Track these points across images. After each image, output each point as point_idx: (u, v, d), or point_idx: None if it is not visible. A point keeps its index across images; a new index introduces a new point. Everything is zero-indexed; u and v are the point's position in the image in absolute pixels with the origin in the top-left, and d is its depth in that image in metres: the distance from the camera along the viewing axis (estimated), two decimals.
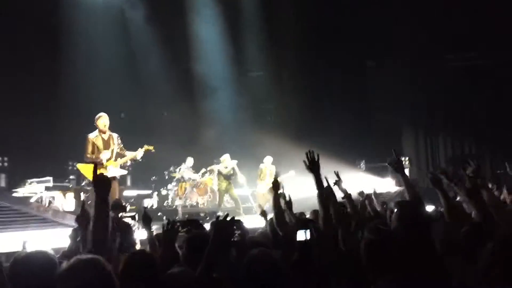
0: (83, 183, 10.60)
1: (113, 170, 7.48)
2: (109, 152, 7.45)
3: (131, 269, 2.40)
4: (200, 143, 13.70)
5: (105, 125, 7.44)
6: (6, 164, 11.22)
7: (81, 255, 2.02)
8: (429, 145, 16.24)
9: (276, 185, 3.99)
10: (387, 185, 13.58)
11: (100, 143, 7.43)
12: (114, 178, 7.41)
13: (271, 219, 4.31)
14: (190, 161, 12.16)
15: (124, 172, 7.85)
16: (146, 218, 3.82)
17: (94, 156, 7.35)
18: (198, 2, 13.86)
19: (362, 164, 14.34)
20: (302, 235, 2.67)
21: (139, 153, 7.66)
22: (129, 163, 8.10)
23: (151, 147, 7.88)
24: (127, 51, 13.51)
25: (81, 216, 3.30)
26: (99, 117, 7.47)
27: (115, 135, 7.61)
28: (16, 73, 11.31)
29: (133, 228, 4.44)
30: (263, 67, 14.87)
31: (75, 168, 12.17)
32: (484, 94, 14.58)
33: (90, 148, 7.39)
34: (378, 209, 5.33)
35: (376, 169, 14.09)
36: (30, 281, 2.14)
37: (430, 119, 15.91)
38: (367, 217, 4.74)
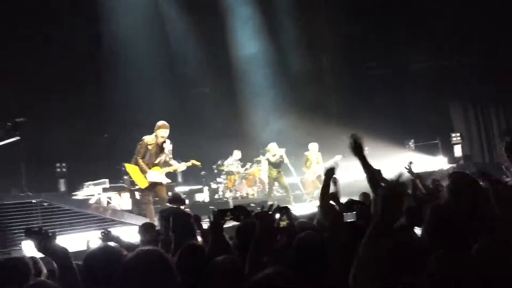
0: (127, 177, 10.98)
1: (157, 176, 7.69)
2: (156, 173, 7.64)
3: (183, 261, 2.55)
4: (245, 135, 13.87)
5: (162, 137, 7.65)
6: (64, 169, 11.77)
7: (143, 247, 2.18)
8: (480, 118, 15.64)
9: (330, 173, 3.89)
10: (438, 163, 13.27)
11: (153, 149, 7.65)
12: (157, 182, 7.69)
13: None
14: (237, 154, 12.35)
15: (168, 180, 7.98)
16: (196, 219, 4.00)
17: (144, 166, 7.57)
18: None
19: (411, 144, 14.04)
20: (349, 217, 2.72)
21: (182, 167, 7.94)
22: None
23: (198, 163, 8.13)
24: (168, 52, 13.87)
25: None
26: (161, 126, 7.66)
27: (168, 142, 7.80)
28: (67, 83, 11.87)
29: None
30: (303, 51, 14.74)
31: (123, 168, 12.77)
32: None
33: (142, 152, 7.63)
34: (431, 187, 5.26)
35: (425, 148, 13.78)
36: (102, 271, 2.32)
37: (479, 90, 15.29)
38: (421, 197, 4.69)
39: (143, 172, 7.61)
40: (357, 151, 3.36)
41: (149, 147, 7.67)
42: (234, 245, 2.95)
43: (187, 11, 13.94)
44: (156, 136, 7.69)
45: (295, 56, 14.62)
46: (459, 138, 13.86)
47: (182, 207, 5.85)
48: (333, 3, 14.43)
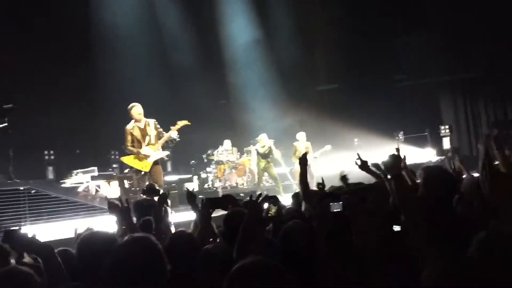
0: (126, 171, 10.97)
1: (154, 153, 7.62)
2: (148, 148, 7.59)
3: (174, 248, 2.56)
4: (236, 124, 13.87)
5: (139, 114, 7.58)
6: (52, 157, 11.70)
7: (133, 234, 2.19)
8: (469, 110, 15.77)
9: (303, 160, 3.98)
10: (427, 155, 13.38)
11: (137, 133, 7.62)
12: (156, 162, 7.65)
13: (297, 193, 4.38)
14: (227, 143, 12.34)
15: (166, 152, 7.92)
16: (191, 196, 3.80)
17: (135, 149, 7.57)
18: None
19: (401, 135, 14.13)
20: (335, 207, 2.72)
21: (173, 132, 7.66)
22: (172, 145, 8.08)
23: (185, 122, 7.80)
24: (160, 42, 13.77)
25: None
26: (132, 106, 7.63)
27: (151, 121, 7.72)
28: (55, 70, 11.74)
29: (168, 212, 4.59)
30: (296, 43, 14.72)
31: (116, 157, 12.70)
32: None
33: (129, 139, 7.62)
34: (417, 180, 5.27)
35: (415, 140, 13.88)
36: (95, 255, 2.33)
37: (468, 84, 15.41)
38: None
39: (138, 154, 7.55)
40: (364, 167, 3.88)
41: (133, 132, 7.63)
42: (221, 234, 2.95)
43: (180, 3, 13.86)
44: (133, 119, 7.63)
45: (288, 45, 14.56)
46: (448, 130, 13.99)
47: (156, 198, 5.80)
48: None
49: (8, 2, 11.25)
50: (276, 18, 14.62)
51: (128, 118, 7.73)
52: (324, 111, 14.35)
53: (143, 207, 4.25)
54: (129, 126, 7.66)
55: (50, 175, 11.40)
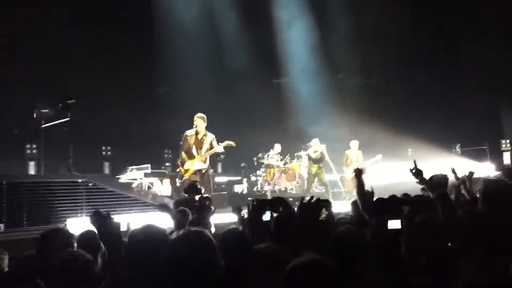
0: (178, 170, 11.22)
1: (193, 166, 8.01)
2: (190, 162, 8.00)
3: (226, 245, 2.59)
4: (288, 129, 13.85)
5: (201, 125, 7.93)
6: (109, 153, 12.12)
7: (189, 227, 2.23)
8: None
9: (359, 172, 3.96)
10: (485, 169, 12.82)
11: (193, 141, 7.98)
12: (199, 170, 7.98)
13: (355, 201, 4.31)
14: (278, 147, 12.36)
15: (204, 166, 8.09)
16: (236, 208, 4.01)
17: (184, 159, 8.03)
18: None
19: (457, 148, 13.65)
20: (393, 224, 2.64)
21: (219, 147, 7.95)
22: (222, 157, 8.56)
23: (231, 143, 8.12)
24: (218, 44, 13.99)
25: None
26: (198, 117, 7.98)
27: (210, 135, 8.04)
28: (116, 67, 12.20)
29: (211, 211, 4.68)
30: (349, 49, 14.54)
31: (169, 156, 12.99)
32: None
33: (185, 146, 8.03)
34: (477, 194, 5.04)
35: (472, 153, 13.35)
36: (148, 248, 2.38)
37: None
38: (464, 203, 4.54)
39: (183, 164, 8.05)
40: (418, 175, 3.66)
41: (189, 139, 8.01)
42: (271, 233, 2.96)
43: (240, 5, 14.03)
44: (195, 127, 7.99)
45: (344, 55, 14.42)
46: (509, 145, 13.37)
47: (197, 197, 5.92)
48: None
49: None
50: (333, 25, 14.47)
51: (191, 124, 8.05)
52: (379, 120, 14.04)
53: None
54: (188, 133, 8.06)
55: (107, 170, 11.82)
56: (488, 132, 14.35)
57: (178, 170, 10.86)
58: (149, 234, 2.45)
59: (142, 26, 12.60)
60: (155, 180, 10.24)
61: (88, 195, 7.19)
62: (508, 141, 13.56)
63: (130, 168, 10.53)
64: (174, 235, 2.17)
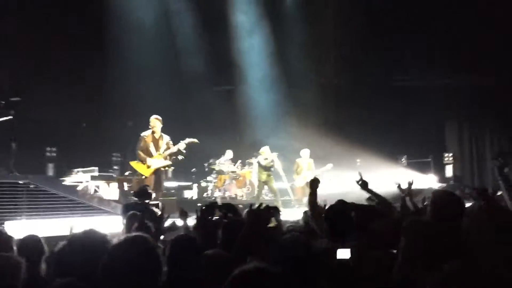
0: (127, 173, 10.97)
1: (156, 162, 8.21)
2: (153, 159, 8.19)
3: (173, 251, 2.52)
4: (239, 136, 13.85)
5: (154, 126, 8.22)
6: (54, 154, 11.70)
7: (130, 234, 2.15)
8: (474, 140, 15.72)
9: (314, 183, 3.97)
10: (429, 181, 13.31)
11: (150, 141, 8.23)
12: (157, 169, 8.22)
13: (306, 212, 4.34)
14: (229, 153, 12.32)
15: (168, 162, 8.43)
16: (183, 213, 3.93)
17: (143, 156, 8.18)
18: None
19: (404, 160, 14.10)
20: (343, 253, 2.62)
21: (181, 145, 8.30)
22: (180, 157, 8.64)
23: (194, 140, 8.51)
24: (173, 47, 13.83)
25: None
26: (153, 118, 8.29)
27: (166, 137, 8.38)
28: (65, 67, 11.79)
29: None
30: (302, 58, 14.75)
31: (118, 159, 12.69)
32: None
33: (141, 145, 8.22)
34: (419, 205, 5.20)
35: (417, 165, 13.83)
36: (86, 254, 2.29)
37: (475, 112, 15.37)
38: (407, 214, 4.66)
39: (143, 161, 8.17)
40: (364, 186, 3.91)
41: (146, 139, 8.23)
42: (220, 240, 2.92)
43: (196, 9, 13.92)
44: (151, 129, 8.26)
45: (298, 62, 14.60)
46: (451, 158, 13.95)
47: (147, 201, 5.85)
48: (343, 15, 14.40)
49: None
50: (289, 29, 14.64)
51: (147, 127, 8.32)
52: (330, 129, 14.29)
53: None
54: (144, 133, 8.29)
55: (50, 172, 11.40)
56: (433, 145, 14.93)
57: (127, 173, 10.70)
58: (89, 240, 2.34)
59: (95, 28, 12.28)
60: (102, 183, 9.97)
61: (29, 198, 6.88)
62: (450, 154, 14.15)
63: (75, 170, 10.20)
64: (114, 241, 2.09)
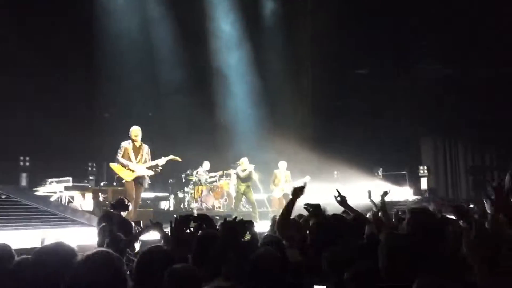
0: (102, 184, 10.82)
1: (140, 169, 8.22)
2: (137, 165, 8.23)
3: (147, 264, 2.47)
4: (217, 147, 13.80)
5: (136, 136, 8.28)
6: (27, 163, 11.48)
7: (95, 250, 2.11)
8: (448, 153, 16.04)
9: (297, 192, 3.92)
10: (404, 193, 13.48)
11: (131, 150, 8.25)
12: (139, 177, 8.21)
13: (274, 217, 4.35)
14: (206, 164, 12.27)
15: (151, 172, 8.45)
16: (156, 224, 3.82)
17: (125, 161, 8.17)
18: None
19: (380, 172, 14.27)
20: None
21: (161, 160, 8.47)
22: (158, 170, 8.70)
23: (177, 158, 8.68)
24: (150, 58, 13.76)
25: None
26: (132, 129, 8.33)
27: (145, 146, 8.43)
28: (39, 76, 11.59)
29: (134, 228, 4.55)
30: (281, 73, 14.88)
31: (94, 169, 12.51)
32: (507, 103, 14.30)
33: (122, 153, 8.22)
34: (393, 219, 5.22)
35: (393, 177, 14.02)
36: (52, 268, 2.23)
37: (449, 128, 15.72)
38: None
39: (126, 166, 8.17)
40: (343, 203, 4.04)
41: (127, 148, 8.25)
42: (193, 253, 2.88)
43: (171, 20, 13.90)
44: (130, 138, 8.29)
45: (276, 74, 14.71)
46: (426, 171, 14.18)
47: (124, 213, 5.77)
48: (319, 34, 14.59)
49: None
50: (267, 44, 14.78)
51: (127, 137, 8.32)
52: (307, 142, 14.37)
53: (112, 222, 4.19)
54: (124, 143, 8.31)
55: (23, 182, 11.17)
56: (408, 158, 15.17)
57: (103, 184, 10.55)
58: (55, 255, 2.29)
59: (74, 39, 12.15)
60: (76, 194, 9.81)
61: (1, 208, 6.70)
62: (425, 167, 14.38)
63: (49, 180, 10.01)
64: (78, 258, 2.05)
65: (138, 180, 8.24)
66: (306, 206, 3.73)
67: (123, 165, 8.17)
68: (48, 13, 11.74)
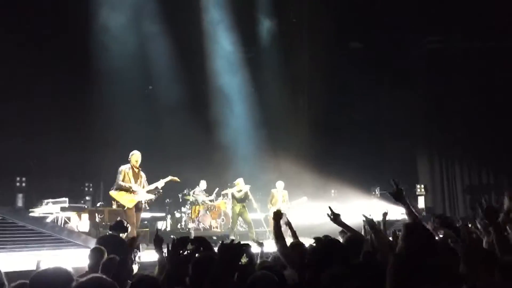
0: (98, 204, 10.77)
1: (142, 192, 8.23)
2: (139, 186, 8.25)
3: None
4: (214, 167, 13.78)
5: (136, 161, 8.29)
6: (24, 184, 11.44)
7: (89, 276, 2.10)
8: (445, 173, 16.05)
9: (277, 215, 4.01)
10: (401, 212, 13.43)
11: (131, 174, 8.23)
12: (138, 207, 8.19)
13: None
14: (203, 184, 12.24)
15: (152, 196, 8.44)
16: (158, 240, 3.78)
17: (128, 184, 8.14)
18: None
19: (377, 191, 14.26)
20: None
21: (160, 183, 8.42)
22: (156, 194, 8.69)
23: (175, 178, 8.64)
24: (147, 78, 13.83)
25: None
26: (133, 154, 8.33)
27: (143, 174, 8.42)
28: (38, 97, 11.63)
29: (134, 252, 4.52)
30: (278, 92, 14.95)
31: (90, 190, 12.47)
32: (503, 121, 14.38)
33: (122, 177, 8.17)
34: (390, 238, 5.20)
35: (390, 196, 13.98)
36: None
37: (446, 147, 15.78)
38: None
39: (127, 190, 8.10)
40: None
41: (127, 172, 8.22)
42: (189, 276, 2.86)
43: (169, 38, 14.00)
44: (130, 163, 8.27)
45: (274, 93, 14.80)
46: (423, 189, 14.18)
47: (123, 235, 5.75)
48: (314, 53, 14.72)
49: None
50: (264, 64, 14.90)
51: (126, 161, 8.31)
52: (305, 162, 14.38)
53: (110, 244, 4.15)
54: (124, 167, 8.27)
55: (20, 203, 11.12)
56: (405, 177, 15.15)
57: (99, 204, 10.50)
58: (52, 281, 2.28)
59: (69, 59, 12.21)
60: (72, 215, 9.75)
61: None
62: (422, 186, 14.40)
63: (45, 201, 9.97)
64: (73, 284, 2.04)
65: (138, 206, 8.21)
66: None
67: (125, 189, 8.09)
68: (45, 29, 11.79)
